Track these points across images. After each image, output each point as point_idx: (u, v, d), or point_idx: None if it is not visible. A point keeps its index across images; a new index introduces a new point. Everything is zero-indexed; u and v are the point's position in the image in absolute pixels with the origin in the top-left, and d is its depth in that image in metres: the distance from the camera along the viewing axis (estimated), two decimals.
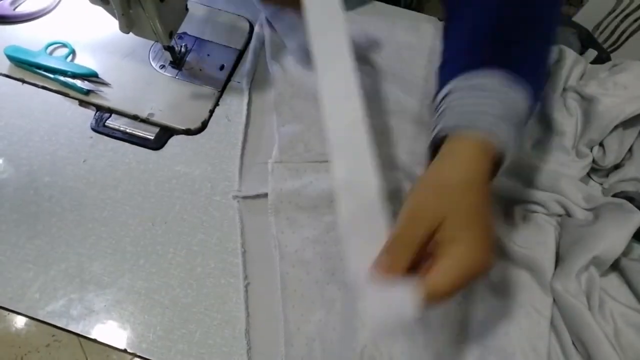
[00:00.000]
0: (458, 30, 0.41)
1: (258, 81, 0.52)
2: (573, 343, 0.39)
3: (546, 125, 0.49)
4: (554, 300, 0.41)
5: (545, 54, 0.40)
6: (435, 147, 0.35)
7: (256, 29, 0.55)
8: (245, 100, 0.50)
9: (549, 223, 0.44)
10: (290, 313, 0.40)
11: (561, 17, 0.44)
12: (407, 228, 0.30)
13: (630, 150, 0.48)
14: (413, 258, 0.29)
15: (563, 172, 0.47)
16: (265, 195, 0.44)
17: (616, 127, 0.46)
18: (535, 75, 0.37)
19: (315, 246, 0.42)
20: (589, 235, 0.41)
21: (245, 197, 0.45)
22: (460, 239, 0.29)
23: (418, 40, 0.56)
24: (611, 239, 0.40)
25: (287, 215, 0.43)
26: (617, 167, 0.49)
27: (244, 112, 0.50)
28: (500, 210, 0.45)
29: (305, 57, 0.49)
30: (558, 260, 0.43)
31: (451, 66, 0.38)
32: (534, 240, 0.43)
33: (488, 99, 0.34)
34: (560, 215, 0.45)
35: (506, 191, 0.46)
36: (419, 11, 0.60)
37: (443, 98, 0.36)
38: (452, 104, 0.35)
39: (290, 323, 0.39)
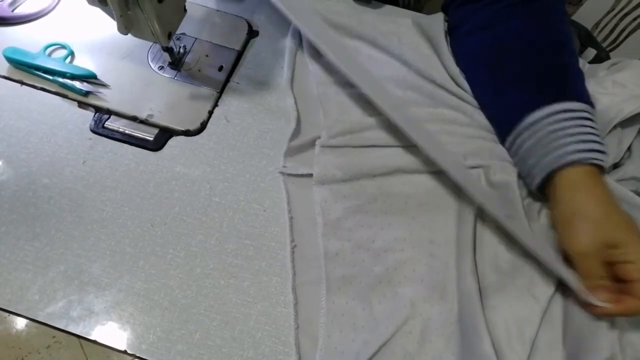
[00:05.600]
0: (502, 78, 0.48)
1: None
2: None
3: None
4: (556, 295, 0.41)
5: (579, 70, 0.46)
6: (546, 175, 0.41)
7: (291, 30, 0.56)
8: (292, 97, 0.51)
9: None
10: (331, 274, 0.41)
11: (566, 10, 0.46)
12: (587, 268, 0.38)
13: (629, 149, 0.48)
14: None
15: None
16: (309, 175, 0.46)
17: (615, 126, 0.46)
18: (586, 93, 0.44)
19: (357, 215, 0.44)
20: None
21: (289, 175, 0.47)
22: (632, 258, 0.36)
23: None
24: None
25: (330, 187, 0.45)
26: (616, 166, 0.49)
27: (292, 103, 0.51)
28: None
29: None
30: None
31: (518, 104, 0.45)
32: (546, 232, 0.44)
33: (585, 126, 0.41)
34: None
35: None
36: (417, 11, 0.60)
37: (532, 124, 0.42)
38: (557, 133, 0.41)
39: (331, 283, 0.41)
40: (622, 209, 0.39)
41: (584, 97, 0.43)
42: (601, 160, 0.40)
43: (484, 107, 0.49)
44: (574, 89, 0.43)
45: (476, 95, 0.50)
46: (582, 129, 0.41)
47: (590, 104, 0.43)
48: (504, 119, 0.46)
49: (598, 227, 0.38)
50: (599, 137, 0.41)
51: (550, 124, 0.41)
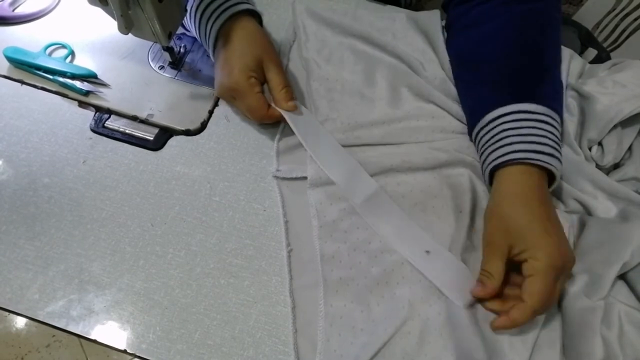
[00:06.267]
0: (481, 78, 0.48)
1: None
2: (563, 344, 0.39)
3: None
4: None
5: (558, 77, 0.47)
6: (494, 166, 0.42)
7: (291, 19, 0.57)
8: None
9: (564, 219, 0.44)
10: (329, 277, 0.41)
11: (561, 17, 0.45)
12: (490, 262, 0.39)
13: (629, 149, 0.48)
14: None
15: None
16: (303, 178, 0.46)
17: (615, 126, 0.46)
18: (558, 99, 0.45)
19: (352, 217, 0.44)
20: (615, 240, 0.40)
21: (283, 178, 0.47)
22: (529, 256, 0.37)
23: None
24: (638, 243, 0.39)
25: (325, 189, 0.45)
26: (616, 166, 0.48)
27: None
28: None
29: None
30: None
31: (485, 101, 0.45)
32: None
33: (541, 128, 0.41)
34: (578, 213, 0.45)
35: None
36: (418, 11, 0.59)
37: (491, 121, 0.43)
38: (508, 132, 0.41)
39: (329, 286, 0.41)
40: (551, 213, 0.39)
41: (552, 103, 0.42)
42: (545, 162, 0.39)
43: (460, 101, 0.50)
44: (543, 92, 0.43)
45: (456, 90, 0.51)
46: (535, 130, 0.41)
47: (558, 111, 0.43)
48: (472, 113, 0.47)
49: (508, 222, 0.38)
50: (553, 142, 0.41)
51: (507, 122, 0.42)
